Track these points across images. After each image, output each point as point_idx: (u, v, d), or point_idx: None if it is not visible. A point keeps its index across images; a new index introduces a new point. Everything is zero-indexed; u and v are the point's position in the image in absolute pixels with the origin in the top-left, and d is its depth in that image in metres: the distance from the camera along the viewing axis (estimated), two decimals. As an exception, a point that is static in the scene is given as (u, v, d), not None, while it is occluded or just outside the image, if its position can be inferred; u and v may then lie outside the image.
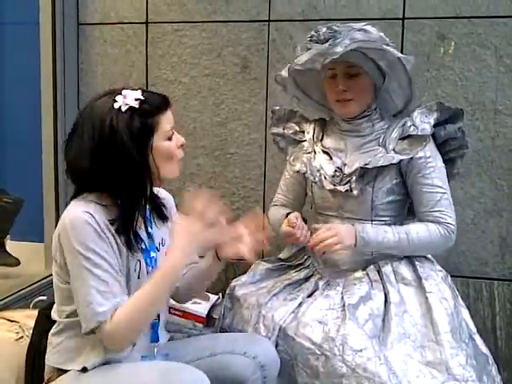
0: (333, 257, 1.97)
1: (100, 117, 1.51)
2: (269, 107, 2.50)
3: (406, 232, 1.90)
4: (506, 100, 2.32)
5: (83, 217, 1.50)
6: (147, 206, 1.64)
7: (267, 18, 2.51)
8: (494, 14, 2.30)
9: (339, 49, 1.78)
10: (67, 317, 1.58)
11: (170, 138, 1.58)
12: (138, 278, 1.60)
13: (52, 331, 1.63)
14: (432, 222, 1.91)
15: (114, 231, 1.54)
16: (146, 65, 2.67)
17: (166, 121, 1.57)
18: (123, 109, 1.51)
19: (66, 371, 1.57)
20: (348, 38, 1.78)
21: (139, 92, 1.54)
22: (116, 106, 1.51)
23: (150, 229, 1.66)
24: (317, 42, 1.83)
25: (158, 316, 1.66)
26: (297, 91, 2.07)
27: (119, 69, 2.70)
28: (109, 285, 1.50)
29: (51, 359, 1.61)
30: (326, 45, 1.80)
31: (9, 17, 3.16)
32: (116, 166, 1.51)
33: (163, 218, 1.71)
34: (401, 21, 2.39)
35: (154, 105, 1.54)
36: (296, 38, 2.44)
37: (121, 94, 1.53)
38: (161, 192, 1.76)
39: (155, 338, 1.66)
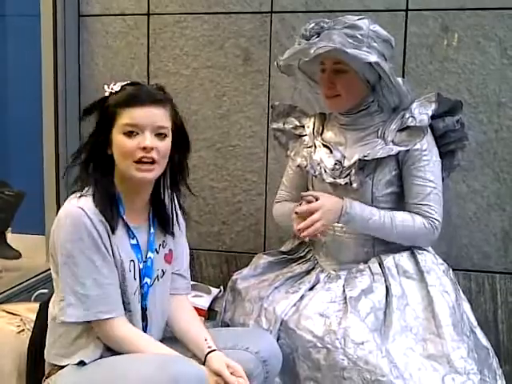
0: (332, 249, 1.98)
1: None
2: (271, 100, 2.49)
3: (392, 217, 1.89)
4: (509, 92, 2.31)
5: (76, 212, 1.51)
6: (150, 213, 1.65)
7: (270, 10, 2.50)
8: (498, 6, 2.28)
9: (312, 50, 1.80)
10: None
11: (127, 135, 1.53)
12: (134, 278, 1.60)
13: (49, 327, 1.63)
14: (419, 214, 1.91)
15: (109, 231, 1.54)
16: (148, 57, 2.65)
17: (126, 117, 1.53)
18: (106, 94, 1.59)
19: (66, 363, 1.57)
20: (327, 39, 1.79)
21: (118, 85, 1.58)
22: (106, 94, 1.59)
23: (152, 229, 1.66)
24: (303, 38, 1.85)
25: (147, 320, 1.64)
26: (306, 79, 2.08)
27: (120, 61, 2.69)
28: (86, 287, 1.51)
29: (49, 356, 1.62)
30: (303, 44, 1.82)
31: (10, 9, 3.15)
32: (88, 146, 1.59)
33: (166, 230, 1.69)
34: (404, 12, 2.37)
35: (119, 98, 1.55)
36: (299, 29, 2.39)
37: (115, 85, 1.59)
38: (179, 215, 1.73)
39: None
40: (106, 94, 1.58)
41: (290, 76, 2.10)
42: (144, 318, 1.64)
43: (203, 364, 1.59)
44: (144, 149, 1.52)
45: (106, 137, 1.56)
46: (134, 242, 1.61)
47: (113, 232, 1.55)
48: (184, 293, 1.78)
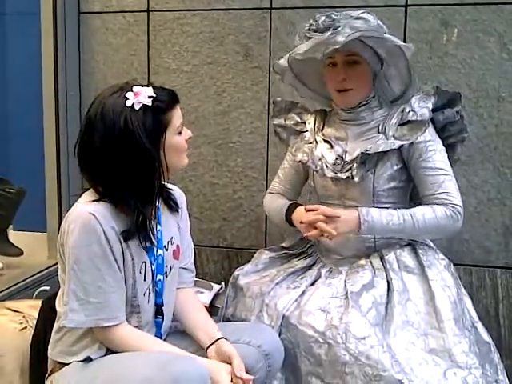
0: (333, 244, 1.98)
1: (112, 115, 1.49)
2: (271, 96, 2.50)
3: (412, 214, 1.87)
4: (509, 87, 2.31)
5: (87, 218, 1.50)
6: (158, 202, 1.64)
7: (269, 6, 2.50)
8: (498, 1, 2.28)
9: (341, 38, 1.76)
10: None
11: (180, 133, 1.59)
12: (144, 279, 1.60)
13: (55, 322, 1.63)
14: (438, 204, 1.88)
15: (121, 238, 1.53)
16: (148, 53, 2.65)
17: (177, 116, 1.57)
18: (136, 107, 1.49)
19: (66, 364, 1.58)
20: (348, 27, 1.77)
21: (151, 89, 1.52)
22: (128, 103, 1.49)
23: (159, 226, 1.65)
24: (316, 31, 1.82)
25: (163, 314, 1.66)
26: (294, 80, 2.06)
27: (121, 58, 2.69)
28: (89, 293, 1.51)
29: (53, 353, 1.62)
30: (327, 34, 1.78)
31: (10, 7, 3.15)
32: (130, 164, 1.49)
33: (173, 210, 1.70)
34: (404, 8, 2.37)
35: (165, 101, 1.53)
36: (298, 25, 2.39)
37: (131, 90, 1.51)
38: (174, 189, 1.75)
39: (159, 336, 1.66)
40: (145, 102, 1.50)
41: (284, 80, 2.06)
42: (161, 313, 1.65)
43: (207, 348, 1.64)
44: (189, 139, 1.63)
45: (157, 145, 1.53)
46: (148, 244, 1.60)
47: (125, 241, 1.55)
48: (190, 286, 1.81)
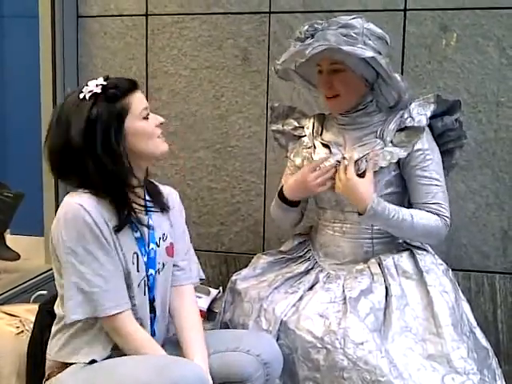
0: (331, 249, 1.98)
1: (68, 110, 1.54)
2: (270, 100, 2.49)
3: (412, 215, 1.88)
4: (508, 92, 2.31)
5: (75, 209, 1.51)
6: (145, 195, 1.64)
7: (268, 10, 2.50)
8: (497, 6, 2.28)
9: (308, 51, 1.79)
10: None
11: (146, 118, 1.58)
12: (138, 271, 1.60)
13: (54, 325, 1.62)
14: (431, 213, 1.91)
15: (110, 227, 1.54)
16: (146, 57, 2.65)
17: (137, 102, 1.57)
18: (87, 96, 1.52)
19: (67, 366, 1.57)
20: (322, 39, 1.79)
21: (101, 79, 1.55)
22: (81, 96, 1.53)
23: (150, 220, 1.65)
24: (298, 40, 1.85)
25: (155, 311, 1.65)
26: (304, 83, 2.07)
27: (119, 61, 2.68)
28: (92, 283, 1.50)
29: (53, 353, 1.61)
30: (298, 46, 1.82)
31: (8, 9, 3.15)
32: (94, 153, 1.51)
33: (162, 208, 1.70)
34: (402, 12, 2.37)
35: (120, 88, 1.54)
36: (297, 29, 2.41)
37: (88, 85, 1.54)
38: (165, 188, 1.76)
39: (152, 334, 1.65)
40: (95, 90, 1.52)
41: (287, 81, 2.09)
42: (152, 309, 1.65)
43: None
44: (161, 124, 1.62)
45: (119, 132, 1.53)
46: (137, 235, 1.61)
47: (117, 231, 1.55)
48: (186, 283, 1.77)
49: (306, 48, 1.80)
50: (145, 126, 1.58)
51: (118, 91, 1.53)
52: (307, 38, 1.83)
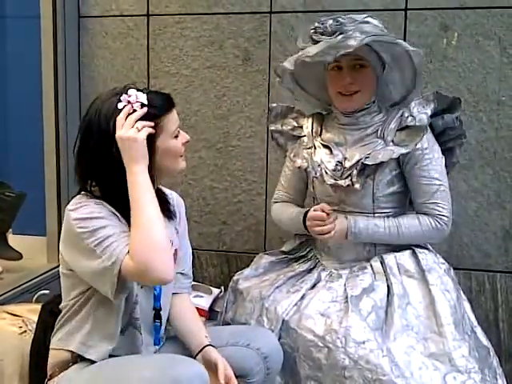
0: (333, 248, 1.99)
1: (105, 118, 1.50)
2: (271, 99, 2.50)
3: (397, 226, 1.92)
4: (509, 91, 2.31)
5: (85, 201, 1.51)
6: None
7: (269, 10, 2.50)
8: (498, 5, 2.28)
9: (353, 42, 1.76)
10: (73, 298, 1.57)
11: (176, 137, 1.59)
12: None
13: (57, 321, 1.63)
14: (426, 213, 1.92)
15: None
16: (148, 57, 2.66)
17: (173, 121, 1.57)
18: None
19: (69, 366, 1.58)
20: (358, 31, 1.77)
21: (144, 96, 1.51)
22: (120, 106, 1.50)
23: None
24: (323, 34, 1.81)
25: (160, 319, 1.65)
26: (292, 83, 2.04)
27: (120, 62, 2.69)
28: (117, 234, 1.46)
29: (55, 343, 1.60)
30: (339, 38, 1.78)
31: (10, 10, 3.15)
32: (122, 166, 1.49)
33: (169, 215, 1.70)
34: (403, 12, 2.37)
35: (158, 107, 1.53)
36: (298, 29, 2.42)
37: (126, 93, 1.51)
38: (172, 194, 1.77)
39: (157, 342, 1.66)
40: (135, 107, 1.50)
41: (283, 83, 2.04)
42: (159, 317, 1.65)
43: (196, 355, 1.64)
44: (187, 142, 1.64)
45: (150, 149, 1.51)
46: None
47: None
48: (186, 291, 1.80)
49: (347, 40, 1.76)
50: (176, 146, 1.59)
51: (157, 111, 1.52)
52: (335, 32, 1.79)
